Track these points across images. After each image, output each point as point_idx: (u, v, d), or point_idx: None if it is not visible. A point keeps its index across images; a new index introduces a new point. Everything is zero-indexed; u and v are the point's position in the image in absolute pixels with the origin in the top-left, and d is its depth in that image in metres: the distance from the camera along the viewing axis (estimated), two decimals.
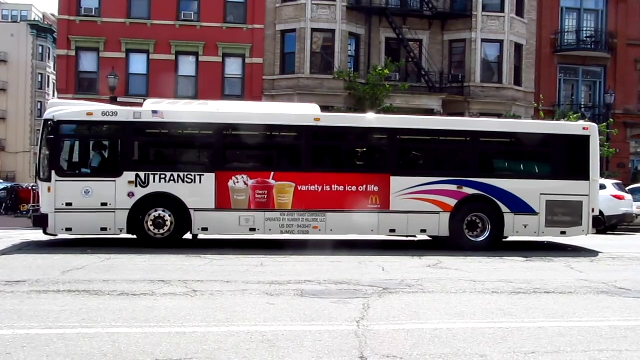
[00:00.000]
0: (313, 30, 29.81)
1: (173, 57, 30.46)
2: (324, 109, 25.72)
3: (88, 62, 30.35)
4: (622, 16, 33.53)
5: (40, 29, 68.39)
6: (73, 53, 30.32)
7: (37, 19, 74.27)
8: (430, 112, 28.93)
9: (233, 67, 30.87)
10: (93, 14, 30.10)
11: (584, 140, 14.14)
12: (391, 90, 28.03)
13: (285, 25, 30.29)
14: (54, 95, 55.94)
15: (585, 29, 33.86)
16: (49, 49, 67.42)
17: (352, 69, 30.02)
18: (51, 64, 65.89)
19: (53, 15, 64.65)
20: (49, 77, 68.32)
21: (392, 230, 13.50)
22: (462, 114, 29.19)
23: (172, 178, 12.76)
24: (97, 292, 7.84)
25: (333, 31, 29.80)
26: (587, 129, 14.39)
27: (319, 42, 30.35)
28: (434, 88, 30.72)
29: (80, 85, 30.43)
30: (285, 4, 30.36)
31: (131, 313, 6.71)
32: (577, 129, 14.58)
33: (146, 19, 30.18)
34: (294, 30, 30.01)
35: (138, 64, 30.28)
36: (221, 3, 30.51)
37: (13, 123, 65.04)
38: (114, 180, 12.64)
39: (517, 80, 32.00)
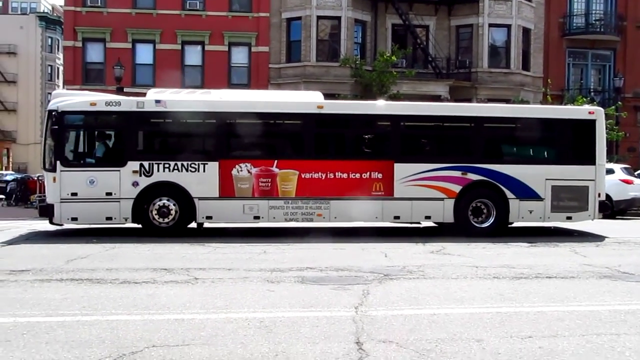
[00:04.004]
0: (319, 17, 29.70)
1: (179, 47, 30.48)
2: (330, 96, 25.78)
3: (95, 53, 30.44)
4: None
5: (49, 21, 68.51)
6: (80, 44, 30.41)
7: (46, 10, 74.41)
8: (437, 98, 28.77)
9: (239, 56, 30.85)
10: (99, 4, 30.17)
11: (590, 124, 14.02)
12: (398, 76, 27.92)
13: (290, 13, 30.18)
14: (64, 87, 56.17)
15: (594, 11, 33.51)
16: (58, 40, 67.54)
17: (359, 56, 29.89)
18: (60, 55, 65.94)
19: (62, 6, 64.71)
20: (58, 68, 68.47)
21: (397, 217, 13.49)
22: (469, 100, 29.07)
23: (176, 167, 12.80)
24: (99, 280, 7.92)
25: (339, 18, 29.68)
26: (593, 113, 14.26)
27: (325, 29, 30.24)
28: (441, 74, 30.55)
29: (87, 76, 30.54)
30: None
31: (132, 301, 6.77)
32: (583, 114, 14.45)
33: (152, 9, 30.19)
34: (299, 18, 29.91)
35: (144, 54, 30.34)
36: None
37: (24, 115, 65.34)
38: (119, 170, 12.70)
39: (525, 65, 31.74)
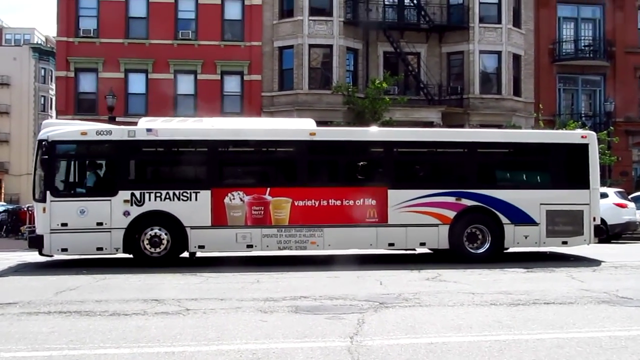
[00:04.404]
0: (310, 46, 29.85)
1: (172, 76, 30.51)
2: (323, 124, 25.70)
3: (87, 83, 30.43)
4: (620, 24, 33.47)
5: (42, 52, 68.78)
6: (72, 74, 30.40)
7: (39, 42, 74.73)
8: (429, 124, 28.83)
9: (232, 85, 30.90)
10: (91, 34, 30.20)
11: (583, 148, 14.01)
12: (390, 103, 27.98)
13: (282, 42, 30.35)
14: (57, 117, 56.10)
15: (583, 37, 33.83)
16: (51, 71, 67.62)
17: (351, 84, 29.98)
18: (53, 86, 66.05)
19: (54, 37, 65.01)
20: (51, 99, 68.47)
21: (391, 244, 13.36)
22: (462, 126, 29.12)
23: (167, 196, 12.67)
24: (88, 312, 7.73)
25: (330, 46, 29.84)
26: (586, 137, 14.28)
27: (317, 57, 30.39)
28: (433, 100, 30.67)
29: (79, 106, 30.45)
30: (282, 21, 30.45)
31: (121, 333, 6.59)
32: (576, 138, 14.47)
33: (144, 39, 30.25)
34: (291, 47, 30.06)
35: (137, 84, 30.33)
36: (218, 21, 30.59)
37: (16, 146, 65.16)
38: (109, 200, 12.56)
39: (517, 91, 31.91)
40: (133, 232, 12.60)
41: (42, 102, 69.03)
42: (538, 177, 14.59)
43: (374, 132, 14.96)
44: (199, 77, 30.60)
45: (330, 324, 7.03)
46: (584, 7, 33.82)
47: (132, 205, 12.59)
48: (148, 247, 12.67)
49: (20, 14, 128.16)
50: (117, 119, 25.54)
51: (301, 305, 8.16)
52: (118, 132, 12.95)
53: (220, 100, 30.63)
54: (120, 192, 12.60)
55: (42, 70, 68.90)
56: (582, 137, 14.32)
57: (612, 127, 29.85)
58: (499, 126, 28.54)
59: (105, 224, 12.52)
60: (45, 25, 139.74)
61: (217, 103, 30.36)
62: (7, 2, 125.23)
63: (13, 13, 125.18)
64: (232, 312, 7.75)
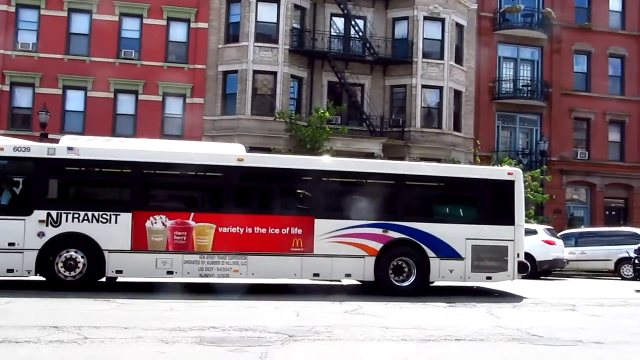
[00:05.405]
0: (255, 72, 29.78)
1: (112, 95, 29.84)
2: (264, 150, 25.64)
3: (23, 98, 29.46)
4: (557, 67, 34.69)
5: None
6: (7, 88, 29.42)
7: None
8: (370, 155, 28.97)
9: (174, 107, 30.43)
10: (30, 48, 29.38)
11: (509, 185, 14.20)
12: (331, 133, 28.08)
13: (227, 66, 30.19)
14: None
15: (521, 78, 34.88)
16: None
17: (294, 111, 30.01)
18: None
19: None
20: None
21: (316, 274, 13.19)
22: (402, 158, 29.41)
23: (86, 217, 12.21)
24: None
25: (275, 73, 29.84)
26: (512, 174, 14.51)
27: (261, 83, 30.32)
28: (375, 132, 30.93)
29: (14, 120, 29.41)
30: (227, 45, 30.33)
31: None
32: (502, 174, 14.70)
33: (85, 56, 29.57)
34: (235, 72, 29.91)
35: (75, 101, 29.52)
36: (163, 42, 30.20)
37: None
38: (23, 219, 12.03)
39: (457, 126, 32.52)
40: (47, 254, 12.07)
41: None
42: (465, 212, 14.72)
43: (302, 160, 14.85)
44: (140, 97, 30.04)
45: (231, 357, 6.78)
46: (523, 49, 34.93)
47: (47, 225, 12.08)
48: (62, 270, 12.14)
49: None
50: (51, 136, 24.73)
51: (207, 336, 7.86)
52: (37, 149, 12.49)
53: (161, 122, 30.11)
54: (36, 212, 12.09)
55: None
56: (509, 173, 14.55)
57: (545, 166, 30.73)
58: (439, 160, 28.97)
59: (18, 244, 11.96)
60: None
61: (158, 125, 29.85)
62: None
63: None
64: (131, 342, 7.39)
